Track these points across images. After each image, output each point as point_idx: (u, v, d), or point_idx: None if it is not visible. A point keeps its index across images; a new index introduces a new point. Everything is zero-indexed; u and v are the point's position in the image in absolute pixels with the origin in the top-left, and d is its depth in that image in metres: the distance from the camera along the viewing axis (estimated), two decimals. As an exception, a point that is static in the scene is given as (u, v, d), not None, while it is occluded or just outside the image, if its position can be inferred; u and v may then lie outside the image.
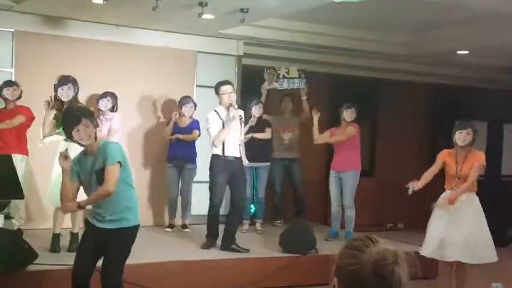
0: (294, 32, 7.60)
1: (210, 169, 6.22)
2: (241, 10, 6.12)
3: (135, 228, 4.17)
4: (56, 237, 5.68)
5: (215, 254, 6.06)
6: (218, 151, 6.13)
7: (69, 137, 4.14)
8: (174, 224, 7.33)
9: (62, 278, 4.99)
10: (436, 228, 5.47)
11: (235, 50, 8.10)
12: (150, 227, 7.34)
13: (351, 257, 1.59)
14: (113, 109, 6.71)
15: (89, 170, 4.05)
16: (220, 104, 6.20)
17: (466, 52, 8.19)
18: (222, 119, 6.12)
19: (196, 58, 7.90)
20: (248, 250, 6.18)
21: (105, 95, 6.70)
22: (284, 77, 8.01)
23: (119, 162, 4.00)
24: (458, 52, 8.21)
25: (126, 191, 4.11)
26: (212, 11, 6.10)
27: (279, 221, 8.15)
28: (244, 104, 7.78)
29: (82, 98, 6.88)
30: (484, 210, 5.53)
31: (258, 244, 6.81)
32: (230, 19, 6.54)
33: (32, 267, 5.00)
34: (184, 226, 7.27)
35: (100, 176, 3.99)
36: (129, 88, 7.26)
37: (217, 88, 6.23)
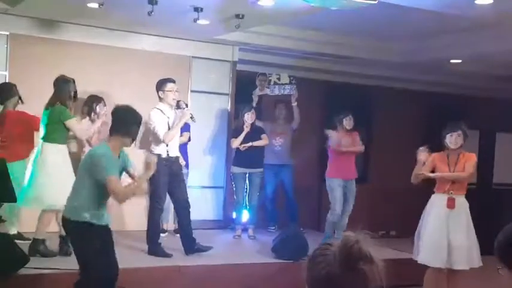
0: (289, 38, 7.63)
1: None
2: (237, 16, 6.14)
3: None
4: (42, 242, 5.65)
5: (208, 259, 6.04)
6: (161, 151, 6.00)
7: (135, 138, 4.34)
8: (167, 228, 7.31)
9: (53, 282, 4.99)
10: (440, 234, 5.36)
11: (230, 55, 8.12)
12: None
13: (317, 264, 1.58)
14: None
15: (120, 170, 4.29)
16: (162, 101, 6.11)
17: (459, 61, 8.24)
18: (167, 117, 6.06)
19: (191, 63, 7.91)
20: (211, 247, 6.10)
21: (100, 99, 6.64)
22: (275, 83, 8.13)
23: None
24: (451, 61, 8.26)
25: None
26: (207, 16, 6.12)
27: (273, 227, 8.16)
28: (238, 109, 7.84)
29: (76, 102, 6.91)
30: (475, 219, 5.54)
31: (250, 250, 6.81)
32: (225, 25, 6.56)
33: (23, 271, 4.97)
34: (176, 231, 7.24)
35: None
36: (123, 92, 7.24)
37: (161, 85, 6.12)
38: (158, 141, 6.03)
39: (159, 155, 5.86)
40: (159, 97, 6.14)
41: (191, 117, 6.15)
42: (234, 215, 7.76)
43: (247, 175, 7.50)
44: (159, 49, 7.64)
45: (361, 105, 9.30)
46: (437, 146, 5.66)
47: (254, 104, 7.88)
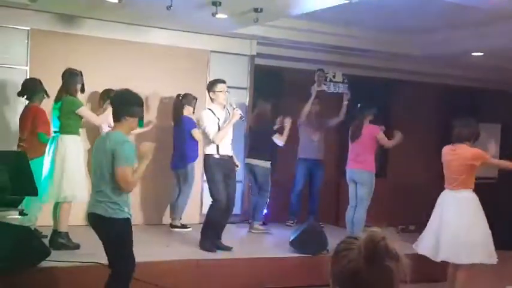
0: (307, 32, 7.60)
1: (207, 169, 6.14)
2: (255, 10, 6.12)
3: None
4: (65, 235, 5.71)
5: (226, 253, 6.06)
6: (212, 151, 6.07)
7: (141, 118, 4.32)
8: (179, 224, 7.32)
9: (74, 274, 5.05)
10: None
11: (248, 49, 8.11)
12: (156, 226, 7.38)
13: (341, 259, 1.58)
14: None
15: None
16: (213, 102, 6.16)
17: (481, 54, 8.14)
18: (218, 118, 6.09)
19: (209, 58, 7.92)
20: (231, 248, 6.13)
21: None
22: (331, 80, 8.27)
23: None
24: (473, 54, 8.16)
25: None
26: (226, 10, 6.11)
27: (292, 222, 8.15)
28: (255, 103, 7.88)
29: (94, 95, 6.98)
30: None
31: (268, 244, 6.81)
32: (244, 19, 6.54)
33: (44, 264, 5.03)
34: (172, 225, 7.29)
35: None
36: (142, 87, 7.23)
37: (212, 86, 6.18)
38: (209, 141, 6.08)
39: (211, 155, 6.04)
40: (210, 98, 6.21)
41: (241, 117, 6.17)
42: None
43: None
44: (177, 43, 7.65)
45: (381, 99, 9.23)
46: (450, 142, 5.61)
47: (312, 98, 8.01)
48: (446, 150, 5.51)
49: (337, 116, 8.18)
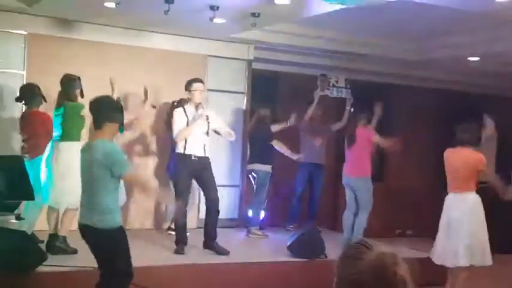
0: (304, 37, 7.61)
1: (174, 167, 6.17)
2: (253, 15, 6.13)
3: None
4: (63, 239, 5.69)
5: (224, 257, 6.05)
6: (180, 149, 6.08)
7: (122, 123, 4.33)
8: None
9: (72, 279, 5.03)
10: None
11: (245, 54, 8.12)
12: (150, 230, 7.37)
13: (349, 266, 1.58)
14: None
15: None
16: (189, 101, 6.15)
17: (477, 59, 8.16)
18: (187, 117, 6.07)
19: (207, 62, 7.92)
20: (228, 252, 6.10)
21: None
22: (334, 85, 8.26)
23: None
24: (469, 59, 8.18)
25: None
26: (223, 15, 6.12)
27: (291, 226, 8.15)
28: (253, 107, 7.88)
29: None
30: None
31: (266, 248, 6.80)
32: (241, 23, 6.56)
33: (41, 268, 5.01)
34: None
35: None
36: (139, 91, 7.28)
37: (188, 85, 6.15)
38: (176, 141, 6.11)
39: (178, 154, 6.08)
40: (188, 97, 6.18)
41: (206, 119, 6.09)
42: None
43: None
44: (175, 48, 7.66)
45: (376, 103, 9.23)
46: (452, 145, 5.63)
47: (315, 103, 8.01)
48: (449, 153, 5.54)
49: (339, 121, 8.18)
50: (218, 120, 6.31)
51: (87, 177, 4.09)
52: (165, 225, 7.44)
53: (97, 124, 4.13)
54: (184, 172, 6.05)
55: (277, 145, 7.60)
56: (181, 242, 6.10)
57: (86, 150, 4.18)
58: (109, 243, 4.05)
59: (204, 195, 6.26)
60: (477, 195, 5.41)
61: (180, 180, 6.10)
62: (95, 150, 4.03)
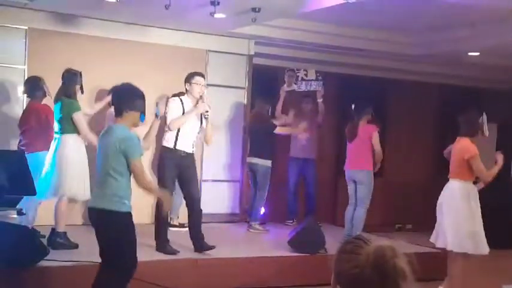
0: (305, 31, 7.60)
1: (159, 161, 5.94)
2: (253, 9, 6.13)
3: None
4: (63, 234, 5.71)
5: (224, 252, 6.07)
6: (169, 143, 5.90)
7: (144, 111, 4.28)
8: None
9: (72, 274, 5.05)
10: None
11: (246, 49, 8.12)
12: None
13: (348, 261, 1.58)
14: None
15: None
16: (187, 93, 6.02)
17: (477, 53, 8.16)
18: (183, 109, 5.91)
19: (207, 57, 7.93)
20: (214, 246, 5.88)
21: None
22: (302, 79, 8.21)
23: None
24: (469, 53, 8.18)
25: None
26: (224, 10, 6.11)
27: (291, 221, 8.18)
28: (253, 102, 7.89)
29: (92, 95, 6.98)
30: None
31: (267, 243, 6.82)
32: (242, 18, 6.55)
33: (42, 263, 5.04)
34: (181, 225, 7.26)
35: None
36: (140, 86, 7.25)
37: (190, 77, 6.02)
38: (168, 131, 5.92)
39: (166, 148, 5.88)
40: (186, 89, 6.04)
41: (206, 112, 5.93)
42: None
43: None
44: (175, 43, 7.66)
45: (376, 98, 9.24)
46: (451, 140, 5.72)
47: (281, 100, 7.95)
48: (454, 143, 5.73)
49: (317, 114, 8.16)
50: (209, 122, 6.09)
51: (102, 161, 4.11)
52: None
53: (118, 111, 4.15)
54: (171, 167, 5.86)
55: (282, 130, 7.56)
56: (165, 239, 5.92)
57: (103, 135, 4.20)
58: (116, 228, 4.06)
59: (184, 193, 6.02)
60: (462, 183, 5.50)
61: (166, 175, 5.86)
62: (111, 134, 4.07)
